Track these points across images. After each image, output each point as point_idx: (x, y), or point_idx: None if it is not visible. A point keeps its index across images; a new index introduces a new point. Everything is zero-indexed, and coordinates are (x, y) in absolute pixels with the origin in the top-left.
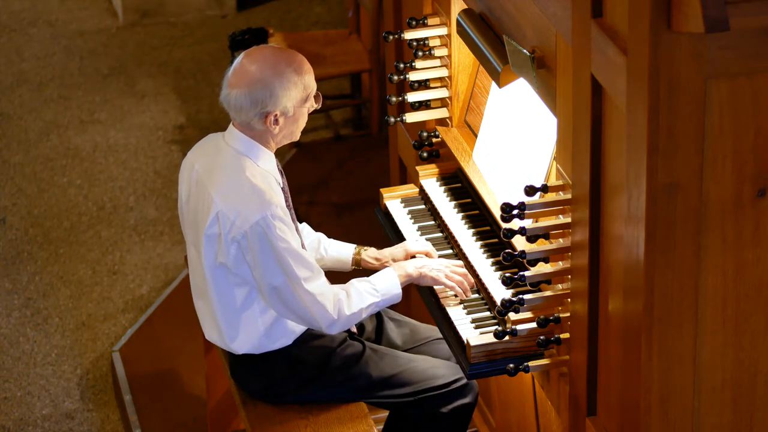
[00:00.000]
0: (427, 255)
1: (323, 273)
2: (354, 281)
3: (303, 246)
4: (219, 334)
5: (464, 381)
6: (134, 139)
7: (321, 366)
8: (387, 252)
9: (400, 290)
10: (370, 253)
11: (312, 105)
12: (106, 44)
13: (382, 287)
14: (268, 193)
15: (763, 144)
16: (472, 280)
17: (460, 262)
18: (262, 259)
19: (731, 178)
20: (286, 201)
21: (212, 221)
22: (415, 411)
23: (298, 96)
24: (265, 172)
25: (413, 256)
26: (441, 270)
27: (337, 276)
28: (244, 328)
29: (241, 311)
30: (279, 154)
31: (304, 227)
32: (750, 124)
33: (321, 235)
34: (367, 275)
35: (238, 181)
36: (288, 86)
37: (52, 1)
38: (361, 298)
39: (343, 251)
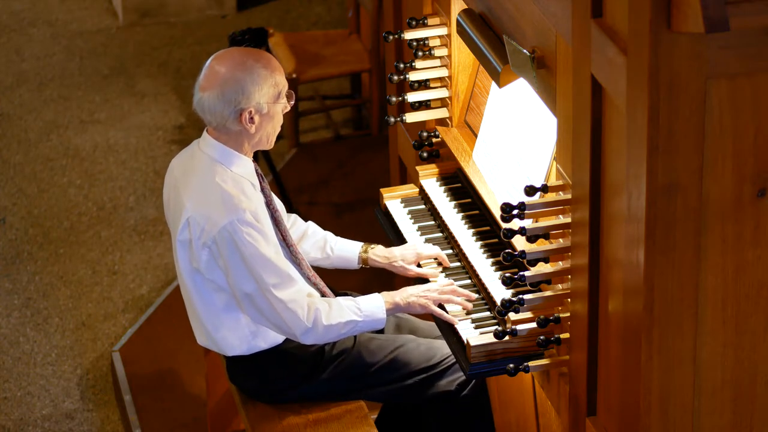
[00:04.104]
0: (438, 260)
1: (298, 282)
2: (340, 298)
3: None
4: (207, 338)
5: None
6: (134, 139)
7: (314, 360)
8: (397, 252)
9: (385, 316)
10: (377, 251)
11: (285, 105)
12: (106, 44)
13: (366, 308)
14: (237, 198)
15: (763, 144)
16: (470, 294)
17: (449, 281)
18: (232, 264)
19: (731, 178)
20: (270, 204)
21: (183, 227)
22: (419, 397)
23: (270, 92)
24: (238, 176)
25: (419, 264)
26: (429, 298)
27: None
28: (230, 330)
29: (224, 314)
30: (278, 154)
31: (310, 225)
32: (750, 124)
33: (328, 234)
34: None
35: (207, 186)
36: (258, 81)
37: (52, 1)
38: (342, 312)
39: (349, 249)
